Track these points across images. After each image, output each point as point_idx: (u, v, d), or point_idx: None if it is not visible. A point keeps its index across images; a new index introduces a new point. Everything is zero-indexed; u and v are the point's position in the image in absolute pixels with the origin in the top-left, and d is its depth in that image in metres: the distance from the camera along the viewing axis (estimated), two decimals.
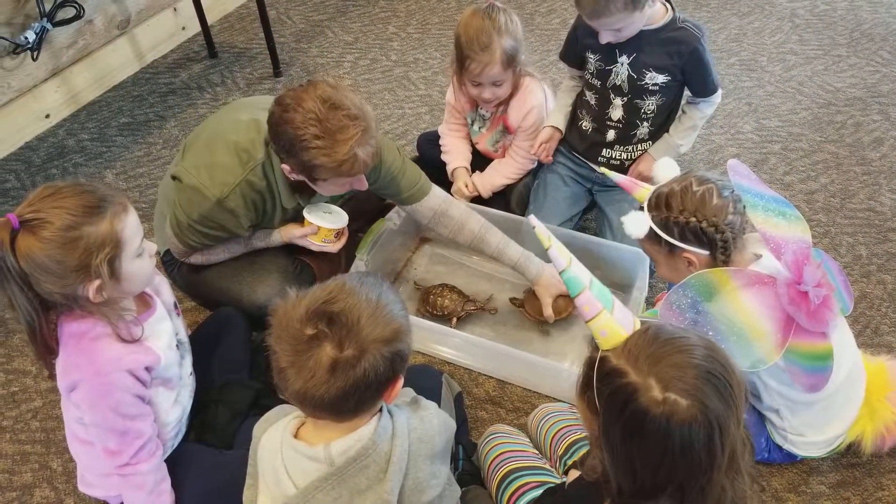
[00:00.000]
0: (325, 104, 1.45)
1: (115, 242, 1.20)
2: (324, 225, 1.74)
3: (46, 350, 1.26)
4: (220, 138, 1.64)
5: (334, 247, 1.80)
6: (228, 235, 1.72)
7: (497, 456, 1.40)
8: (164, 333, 1.37)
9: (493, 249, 1.83)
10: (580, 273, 1.06)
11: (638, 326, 1.00)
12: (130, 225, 1.23)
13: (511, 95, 2.01)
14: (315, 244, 1.78)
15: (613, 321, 0.99)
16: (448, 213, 1.83)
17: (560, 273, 1.06)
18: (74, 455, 1.43)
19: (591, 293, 1.03)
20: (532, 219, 1.14)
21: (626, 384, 0.91)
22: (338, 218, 1.77)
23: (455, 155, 2.17)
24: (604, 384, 0.95)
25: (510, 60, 1.89)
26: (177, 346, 1.41)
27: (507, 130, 2.10)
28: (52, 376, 1.30)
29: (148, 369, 1.30)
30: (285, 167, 1.57)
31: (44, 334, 1.24)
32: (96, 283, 1.19)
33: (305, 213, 1.74)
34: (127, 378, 1.27)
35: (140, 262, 1.27)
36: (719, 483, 0.92)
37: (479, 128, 2.14)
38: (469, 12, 1.90)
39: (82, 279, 1.18)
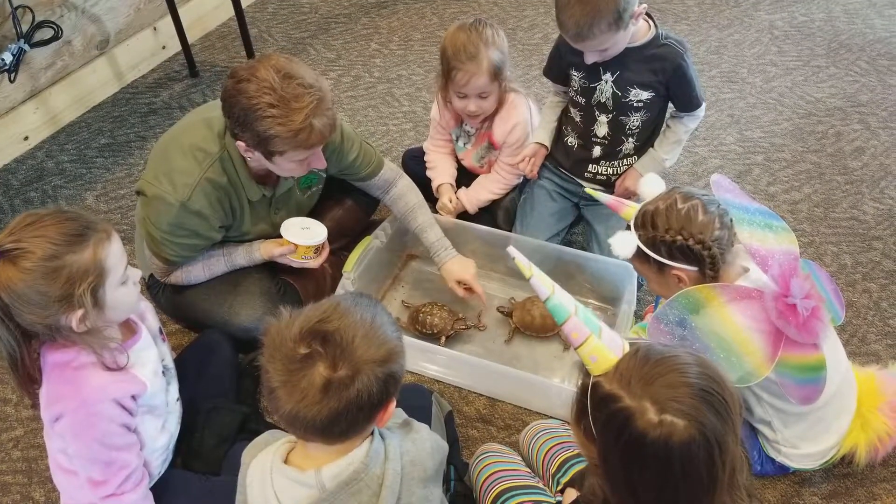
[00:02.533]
0: (279, 73, 1.45)
1: (99, 271, 1.18)
2: (301, 243, 1.73)
3: (29, 380, 1.24)
4: (174, 144, 1.64)
5: (315, 262, 1.79)
6: (204, 242, 1.70)
7: (489, 475, 1.38)
8: (150, 360, 1.34)
9: (416, 226, 1.94)
10: (565, 300, 1.04)
11: (627, 349, 0.98)
12: (114, 253, 1.21)
13: (496, 111, 2.01)
14: (295, 261, 1.77)
15: (602, 346, 0.98)
16: (395, 184, 1.96)
17: (544, 302, 1.04)
18: (58, 485, 1.39)
19: (578, 319, 1.01)
20: (511, 249, 1.12)
21: (621, 409, 0.90)
22: (315, 233, 1.75)
23: (440, 171, 2.16)
24: (598, 411, 0.93)
25: (497, 72, 1.89)
26: (163, 372, 1.39)
27: (492, 146, 2.10)
28: (35, 406, 1.27)
29: (134, 398, 1.27)
30: (241, 144, 1.54)
31: (26, 365, 1.21)
32: (79, 312, 1.17)
33: (283, 232, 1.73)
34: (113, 408, 1.24)
35: (124, 290, 1.24)
36: (721, 502, 0.91)
37: (465, 144, 2.14)
38: (455, 27, 1.90)
39: (65, 309, 1.16)
